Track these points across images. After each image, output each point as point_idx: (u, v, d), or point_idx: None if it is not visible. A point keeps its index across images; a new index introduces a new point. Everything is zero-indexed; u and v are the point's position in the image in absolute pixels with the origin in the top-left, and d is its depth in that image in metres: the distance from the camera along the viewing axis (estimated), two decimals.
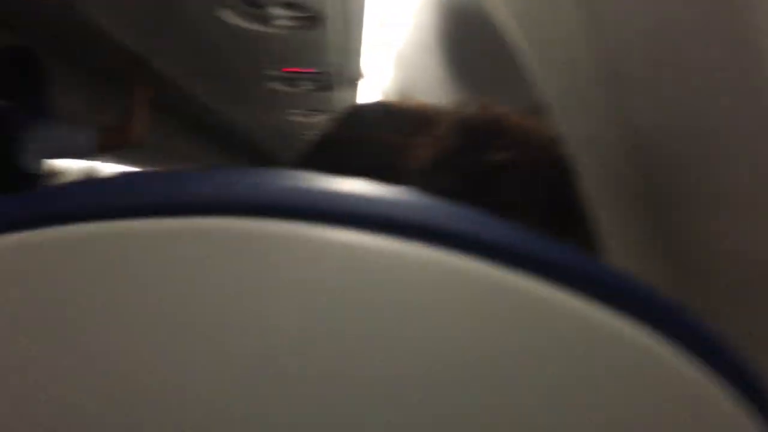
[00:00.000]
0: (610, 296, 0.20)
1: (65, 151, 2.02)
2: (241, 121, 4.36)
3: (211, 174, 0.22)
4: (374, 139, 0.43)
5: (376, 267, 0.19)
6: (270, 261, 0.19)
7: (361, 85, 2.77)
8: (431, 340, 0.19)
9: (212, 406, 0.19)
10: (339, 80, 2.62)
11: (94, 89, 3.27)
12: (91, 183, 0.22)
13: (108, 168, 5.16)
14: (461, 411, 0.19)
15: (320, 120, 3.79)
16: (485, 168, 0.39)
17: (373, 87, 2.73)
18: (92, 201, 0.20)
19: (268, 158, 7.92)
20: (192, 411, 0.19)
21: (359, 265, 0.19)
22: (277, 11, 1.69)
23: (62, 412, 0.19)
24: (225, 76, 2.68)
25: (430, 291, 0.19)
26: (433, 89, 1.80)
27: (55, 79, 2.01)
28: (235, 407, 0.19)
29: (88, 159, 3.66)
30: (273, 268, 0.19)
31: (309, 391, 0.19)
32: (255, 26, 1.77)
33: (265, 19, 1.74)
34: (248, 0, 1.62)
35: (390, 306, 0.19)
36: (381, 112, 0.46)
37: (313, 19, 1.76)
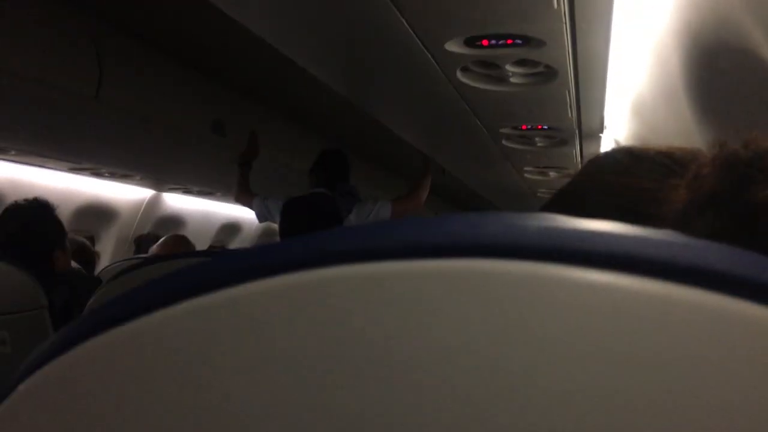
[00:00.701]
0: None
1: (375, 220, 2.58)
2: (475, 181, 4.46)
3: (477, 218, 0.22)
4: (621, 185, 0.41)
5: (651, 314, 0.18)
6: (530, 304, 0.19)
7: (604, 137, 2.69)
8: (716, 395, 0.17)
9: None
10: (576, 134, 2.58)
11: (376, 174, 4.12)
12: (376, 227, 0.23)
13: None
14: None
15: (555, 176, 3.73)
16: (754, 206, 0.35)
17: (614, 139, 2.64)
18: (399, 241, 0.21)
19: None
20: None
21: (625, 311, 0.18)
22: (512, 69, 1.73)
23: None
24: (461, 137, 2.79)
25: (710, 341, 0.18)
26: (679, 136, 1.70)
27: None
28: None
29: None
30: (533, 312, 0.19)
31: None
32: (491, 86, 1.83)
33: (500, 79, 1.79)
34: (484, 62, 1.69)
35: (665, 357, 0.18)
36: (626, 156, 0.43)
37: (547, 74, 1.77)
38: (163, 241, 2.81)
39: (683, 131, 1.61)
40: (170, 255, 2.18)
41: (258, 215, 2.76)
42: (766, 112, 1.18)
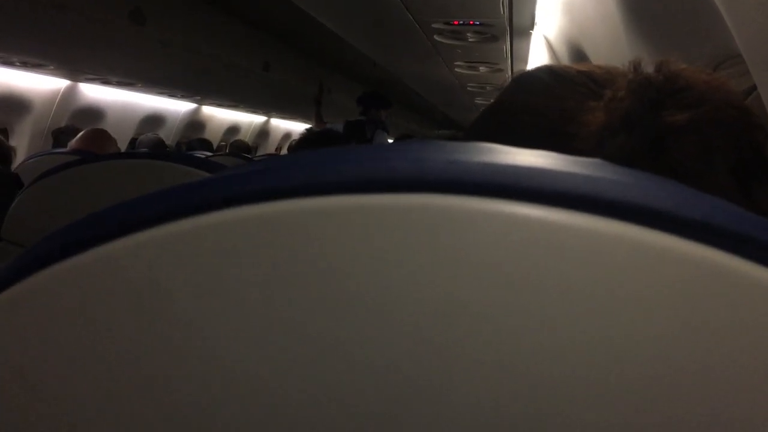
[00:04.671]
0: None
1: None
2: (407, 75, 4.43)
3: (409, 149, 0.23)
4: (544, 105, 0.42)
5: (575, 245, 0.19)
6: (468, 237, 0.20)
7: (534, 34, 2.70)
8: (631, 321, 0.19)
9: (397, 387, 0.20)
10: (507, 30, 2.57)
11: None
12: (313, 158, 0.23)
13: None
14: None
15: (485, 71, 3.74)
16: (665, 130, 0.37)
17: (544, 35, 2.65)
18: (308, 177, 0.21)
19: (432, 111, 7.95)
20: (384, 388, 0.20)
21: (555, 242, 0.19)
22: None
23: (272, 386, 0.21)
24: (391, 31, 2.73)
25: (629, 269, 0.19)
26: (606, 39, 1.72)
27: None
28: (422, 384, 0.20)
29: None
30: (471, 244, 0.20)
31: (489, 373, 0.20)
32: None
33: None
34: None
35: (590, 284, 0.19)
36: (548, 76, 0.44)
37: None
38: (81, 136, 2.68)
39: (610, 33, 1.64)
40: (94, 155, 2.10)
41: None
42: (689, 20, 1.21)
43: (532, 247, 0.19)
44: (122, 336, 0.22)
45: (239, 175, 0.22)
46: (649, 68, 0.42)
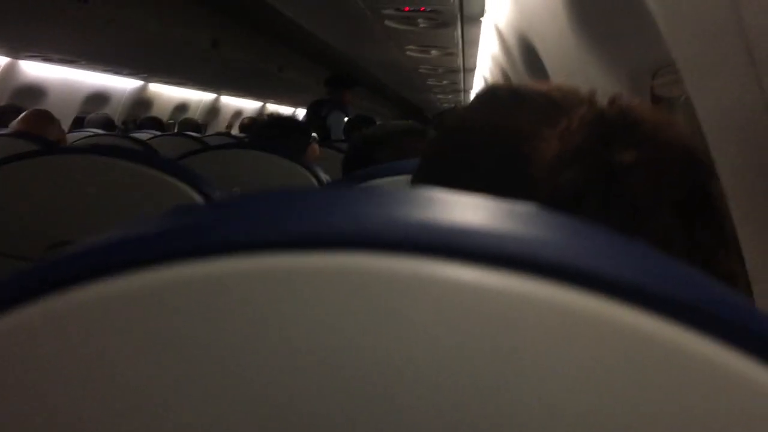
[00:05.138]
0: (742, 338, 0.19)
1: None
2: (359, 56, 4.41)
3: (336, 204, 0.22)
4: (502, 125, 0.43)
5: (506, 309, 0.19)
6: (399, 301, 0.19)
7: (484, 21, 2.71)
8: (565, 385, 0.19)
9: None
10: (458, 17, 2.58)
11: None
12: (238, 211, 0.22)
13: None
14: None
15: (437, 55, 3.75)
16: (614, 166, 0.38)
17: (494, 24, 2.67)
18: (232, 235, 0.20)
19: (384, 91, 7.94)
20: None
21: (487, 306, 0.19)
22: None
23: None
24: (342, 15, 2.71)
25: (558, 334, 0.19)
26: (553, 34, 1.75)
27: None
28: None
29: None
30: (402, 308, 0.19)
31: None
32: None
33: None
34: None
35: (515, 348, 0.19)
36: (508, 95, 0.46)
37: None
38: (24, 117, 2.60)
39: (557, 28, 1.66)
40: (47, 144, 2.03)
41: None
42: (628, 21, 1.24)
43: (464, 310, 0.19)
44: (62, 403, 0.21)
45: (163, 232, 0.21)
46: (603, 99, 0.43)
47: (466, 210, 0.22)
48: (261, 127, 1.91)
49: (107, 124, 4.03)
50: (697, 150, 0.40)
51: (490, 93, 0.48)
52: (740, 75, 0.72)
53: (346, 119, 3.42)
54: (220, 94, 6.39)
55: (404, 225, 0.20)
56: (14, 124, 2.61)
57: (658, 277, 0.20)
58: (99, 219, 1.07)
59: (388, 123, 1.22)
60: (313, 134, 1.86)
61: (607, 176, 0.38)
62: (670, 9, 0.92)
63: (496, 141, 0.43)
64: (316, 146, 1.88)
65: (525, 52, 2.32)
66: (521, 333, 0.19)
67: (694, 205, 0.39)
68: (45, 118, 2.59)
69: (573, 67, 1.66)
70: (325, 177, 1.55)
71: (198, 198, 1.02)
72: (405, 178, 0.87)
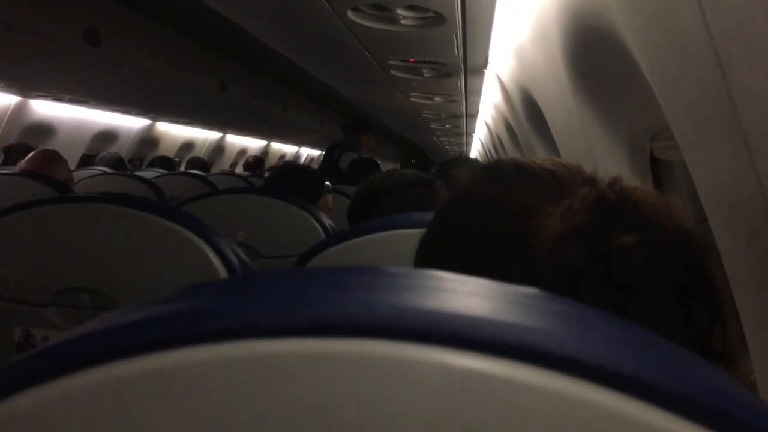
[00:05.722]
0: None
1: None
2: (363, 100, 4.48)
3: (356, 288, 0.22)
4: (507, 199, 0.45)
5: (512, 396, 0.19)
6: (390, 385, 0.19)
7: (487, 72, 2.76)
8: None
9: None
10: (461, 68, 2.64)
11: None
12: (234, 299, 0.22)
13: None
14: None
15: (440, 101, 3.81)
16: (613, 248, 0.39)
17: (496, 74, 2.72)
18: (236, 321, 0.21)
19: (388, 132, 8.01)
20: None
21: (494, 393, 0.19)
22: (402, 12, 1.73)
23: None
24: (348, 64, 2.77)
25: (543, 417, 0.19)
26: (553, 89, 1.79)
27: None
28: None
29: None
30: (392, 393, 0.19)
31: None
32: (382, 26, 1.83)
33: (391, 20, 1.80)
34: (375, 5, 1.68)
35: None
36: (512, 169, 0.47)
37: (436, 18, 1.79)
38: (32, 157, 2.62)
39: (557, 85, 1.70)
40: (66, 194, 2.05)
41: None
42: (630, 87, 1.27)
43: (472, 397, 0.19)
44: None
45: (135, 323, 0.22)
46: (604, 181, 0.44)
47: (472, 296, 0.23)
48: (276, 173, 1.94)
49: (118, 162, 4.08)
50: (694, 233, 0.42)
51: (495, 166, 0.49)
52: (734, 153, 0.73)
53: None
54: (225, 132, 6.46)
55: (416, 313, 0.21)
56: (22, 163, 2.64)
57: (655, 369, 0.20)
58: (107, 266, 1.09)
59: (395, 172, 1.21)
60: (327, 183, 1.87)
61: (607, 257, 0.39)
62: (661, 73, 0.94)
63: (501, 213, 0.45)
64: (329, 197, 1.88)
65: (526, 103, 2.36)
66: (525, 419, 0.19)
67: (691, 286, 0.40)
68: (52, 158, 2.62)
69: (573, 123, 1.69)
70: (330, 224, 1.56)
71: (204, 247, 1.04)
72: (409, 232, 0.88)
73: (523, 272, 0.41)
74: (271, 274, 0.26)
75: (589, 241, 0.40)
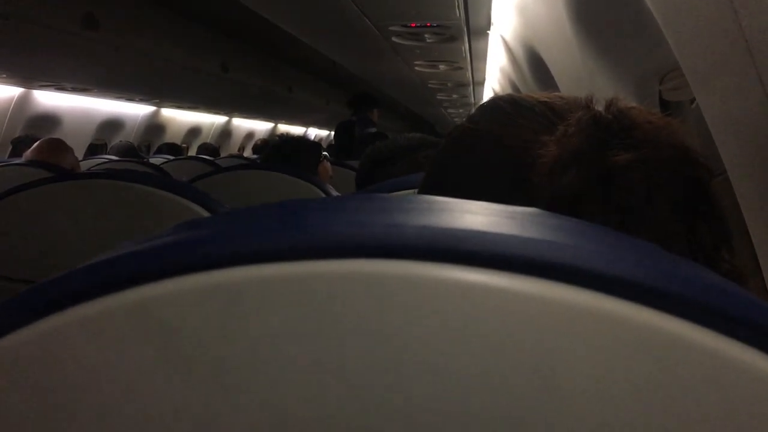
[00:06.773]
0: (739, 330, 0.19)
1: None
2: (367, 73, 4.43)
3: (352, 209, 0.23)
4: (505, 134, 0.44)
5: (514, 307, 0.19)
6: (409, 303, 0.20)
7: (491, 34, 2.72)
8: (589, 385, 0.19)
9: None
10: (464, 30, 2.59)
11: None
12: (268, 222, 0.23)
13: None
14: None
15: (445, 69, 3.76)
16: (610, 168, 0.38)
17: (500, 35, 2.67)
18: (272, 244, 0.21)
19: (395, 106, 7.97)
20: None
21: (495, 305, 0.19)
22: None
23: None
24: (349, 33, 2.73)
25: (551, 327, 0.19)
26: (558, 42, 1.75)
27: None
28: None
29: None
30: (409, 310, 0.20)
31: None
32: None
33: None
34: None
35: (533, 348, 0.19)
36: (509, 105, 0.46)
37: None
38: (37, 146, 2.62)
39: (561, 37, 1.67)
40: (65, 172, 2.05)
41: None
42: (633, 28, 1.24)
43: (473, 310, 0.19)
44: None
45: (157, 246, 0.22)
46: (601, 103, 0.43)
47: (473, 215, 0.23)
48: (272, 147, 1.93)
49: (129, 151, 4.08)
50: (693, 149, 0.41)
51: (491, 103, 0.49)
52: (742, 75, 0.71)
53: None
54: (231, 116, 6.45)
55: (425, 231, 0.21)
56: (28, 153, 2.64)
57: (662, 275, 0.20)
58: (112, 241, 1.08)
59: (401, 137, 1.20)
60: (324, 152, 1.86)
61: (605, 177, 0.38)
62: (672, 11, 0.92)
63: (498, 149, 0.44)
64: (328, 164, 1.88)
65: (533, 62, 2.32)
66: (536, 330, 0.19)
67: (692, 204, 0.39)
68: (58, 146, 2.62)
69: (580, 75, 1.66)
70: (335, 194, 1.55)
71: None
72: (415, 192, 0.87)
73: (523, 203, 0.40)
74: (323, 202, 0.26)
75: (586, 162, 0.39)
